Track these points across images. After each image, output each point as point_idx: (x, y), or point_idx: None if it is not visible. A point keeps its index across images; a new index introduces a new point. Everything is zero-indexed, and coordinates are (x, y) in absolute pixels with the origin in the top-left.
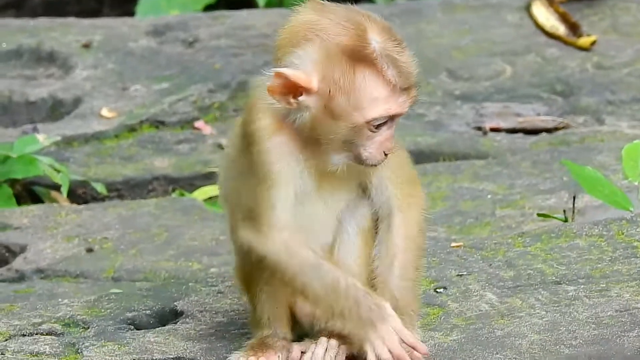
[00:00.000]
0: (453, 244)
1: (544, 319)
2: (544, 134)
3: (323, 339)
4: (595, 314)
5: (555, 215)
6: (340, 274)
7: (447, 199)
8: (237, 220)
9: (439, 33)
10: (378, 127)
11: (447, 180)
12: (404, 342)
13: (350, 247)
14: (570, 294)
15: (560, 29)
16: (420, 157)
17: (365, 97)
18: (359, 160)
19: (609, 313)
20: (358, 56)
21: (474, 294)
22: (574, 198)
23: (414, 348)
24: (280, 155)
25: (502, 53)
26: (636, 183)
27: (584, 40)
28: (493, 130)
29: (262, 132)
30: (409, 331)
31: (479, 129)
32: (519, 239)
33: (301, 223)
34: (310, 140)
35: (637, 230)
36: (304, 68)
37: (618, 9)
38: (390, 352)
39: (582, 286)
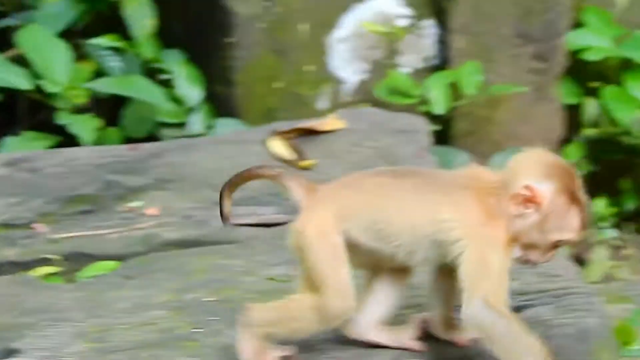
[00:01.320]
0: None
1: None
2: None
3: None
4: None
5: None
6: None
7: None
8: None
9: (205, 159)
10: (556, 246)
11: (207, 259)
12: None
13: None
14: None
15: (287, 155)
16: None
17: (569, 225)
18: (526, 259)
19: None
20: (574, 198)
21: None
22: None
23: None
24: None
25: None
26: None
27: (307, 163)
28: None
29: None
30: None
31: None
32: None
33: None
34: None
35: None
36: (542, 190)
37: (330, 141)
38: None
39: None
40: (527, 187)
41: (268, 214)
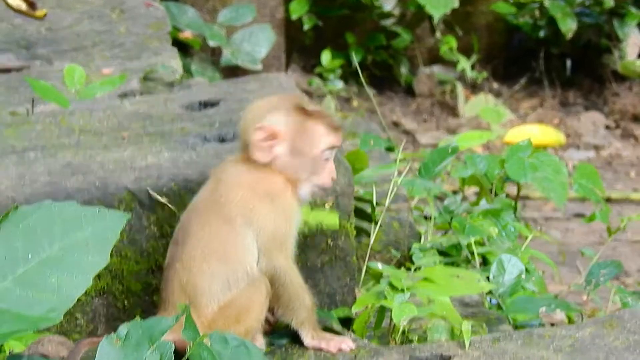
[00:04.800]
0: None
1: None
2: (14, 72)
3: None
4: (48, 169)
5: None
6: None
7: None
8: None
9: None
10: (326, 158)
11: None
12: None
13: None
14: (32, 156)
15: (23, 6)
16: None
17: (318, 134)
18: (317, 188)
19: (57, 167)
20: (304, 111)
21: None
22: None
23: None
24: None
25: None
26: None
27: (39, 13)
28: None
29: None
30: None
31: None
32: None
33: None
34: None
35: (76, 117)
36: (271, 122)
37: None
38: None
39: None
40: (259, 129)
41: (3, 60)
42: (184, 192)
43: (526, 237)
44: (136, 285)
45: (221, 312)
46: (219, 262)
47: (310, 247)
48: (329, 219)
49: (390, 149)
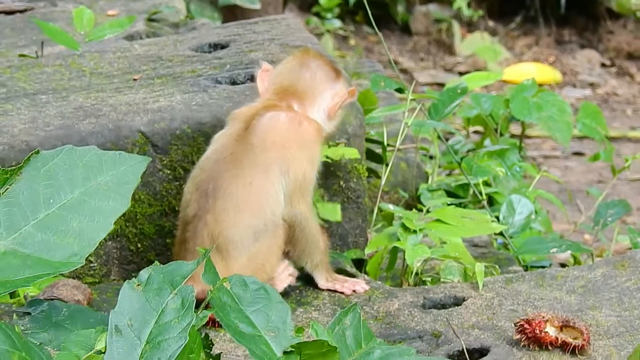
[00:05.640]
0: None
1: (26, 116)
2: (18, 14)
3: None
4: (61, 112)
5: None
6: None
7: None
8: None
9: None
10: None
11: None
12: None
13: None
14: (44, 99)
15: None
16: None
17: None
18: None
19: (69, 110)
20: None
21: None
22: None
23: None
24: None
25: None
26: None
27: None
28: None
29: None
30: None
31: None
32: None
33: None
34: None
35: (86, 60)
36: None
37: None
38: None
39: (50, 95)
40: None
41: (7, 2)
42: (197, 134)
43: (530, 177)
44: (149, 228)
45: (249, 262)
46: (252, 214)
47: (323, 189)
48: (349, 152)
49: (400, 90)
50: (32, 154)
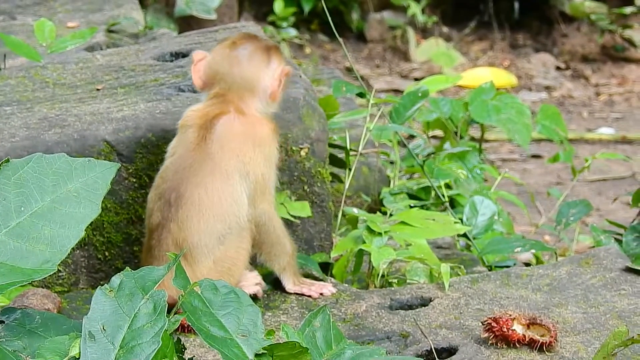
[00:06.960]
0: None
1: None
2: None
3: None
4: (26, 123)
5: None
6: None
7: None
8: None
9: None
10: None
11: None
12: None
13: None
14: (8, 111)
15: None
16: None
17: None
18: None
19: (34, 120)
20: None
21: None
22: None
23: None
24: None
25: None
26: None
27: None
28: None
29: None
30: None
31: None
32: None
33: None
34: None
35: (48, 71)
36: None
37: None
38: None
39: (15, 107)
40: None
41: None
42: (162, 142)
43: (491, 179)
44: (116, 236)
45: (215, 266)
46: (216, 219)
47: (290, 192)
48: (302, 208)
49: (362, 95)
50: (1, 162)
